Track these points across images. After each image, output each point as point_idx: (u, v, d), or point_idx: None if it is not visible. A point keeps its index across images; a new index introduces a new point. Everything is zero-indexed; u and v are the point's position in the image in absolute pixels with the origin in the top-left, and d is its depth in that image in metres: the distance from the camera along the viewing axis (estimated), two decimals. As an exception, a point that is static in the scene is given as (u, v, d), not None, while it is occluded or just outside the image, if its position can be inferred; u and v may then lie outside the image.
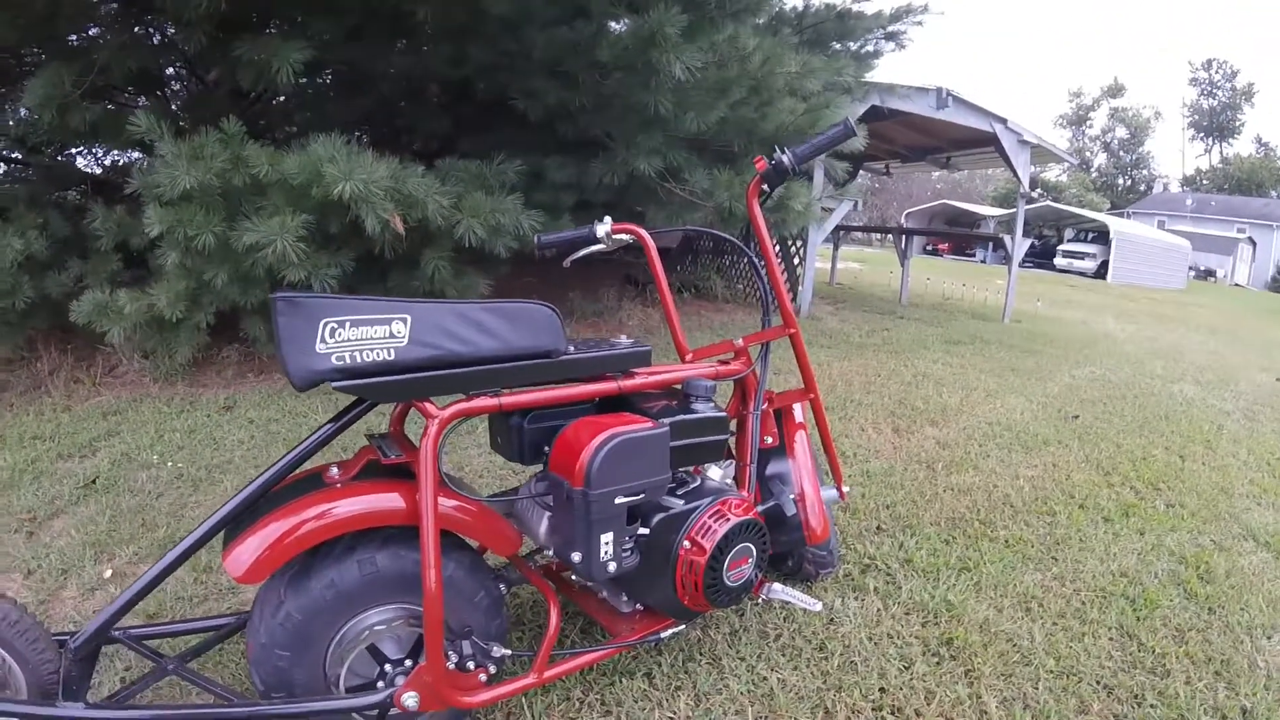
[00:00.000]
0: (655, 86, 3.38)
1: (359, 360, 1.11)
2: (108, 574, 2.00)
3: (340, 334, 1.09)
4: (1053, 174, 35.36)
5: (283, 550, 1.15)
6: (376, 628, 1.25)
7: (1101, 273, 19.90)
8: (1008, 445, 3.37)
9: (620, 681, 1.49)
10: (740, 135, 4.16)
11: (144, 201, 3.12)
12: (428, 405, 1.20)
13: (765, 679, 1.53)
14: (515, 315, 1.25)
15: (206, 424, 3.15)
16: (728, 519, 1.37)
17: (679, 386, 1.52)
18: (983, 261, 23.34)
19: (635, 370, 1.42)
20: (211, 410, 3.31)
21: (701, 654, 1.60)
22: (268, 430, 3.09)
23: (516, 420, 1.36)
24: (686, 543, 1.35)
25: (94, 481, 2.60)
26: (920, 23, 5.07)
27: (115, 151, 4.34)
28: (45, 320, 3.66)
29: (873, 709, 1.47)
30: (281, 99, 3.86)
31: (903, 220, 24.25)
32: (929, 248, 23.82)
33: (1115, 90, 53.48)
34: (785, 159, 1.51)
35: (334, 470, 1.26)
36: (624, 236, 1.65)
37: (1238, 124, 51.08)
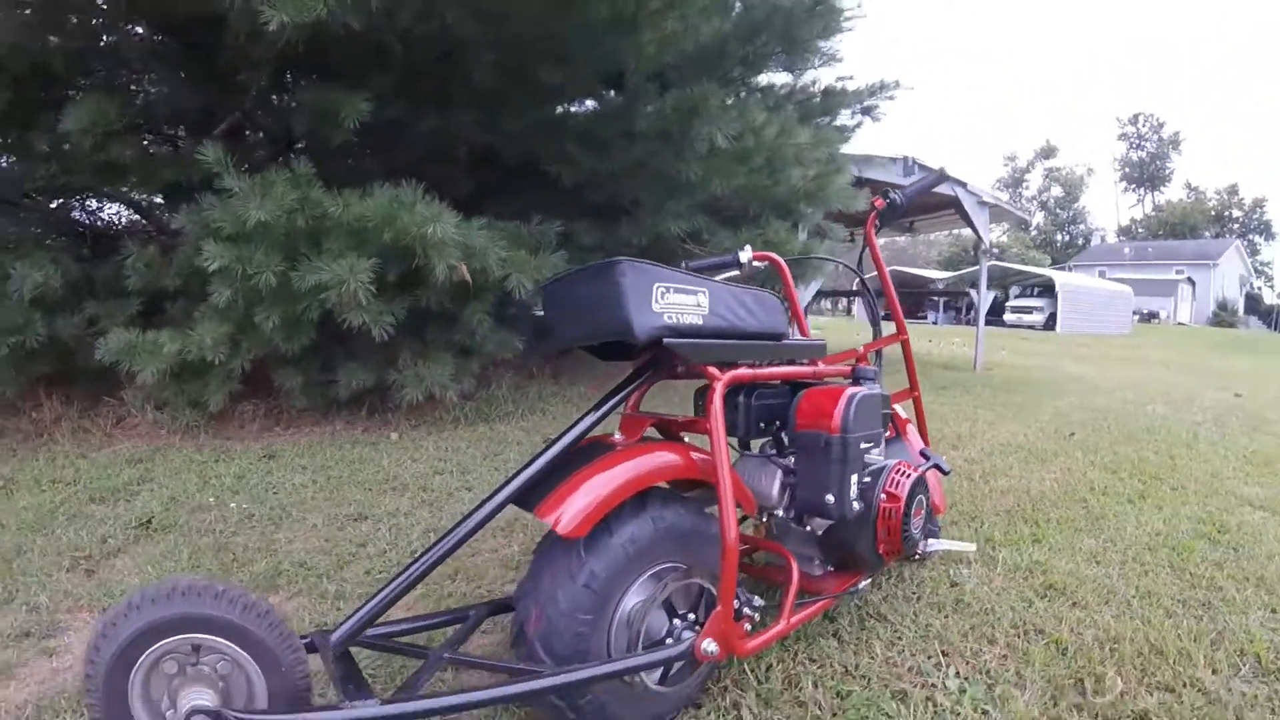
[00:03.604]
0: (688, 154, 4.00)
1: (680, 321, 1.39)
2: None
3: (668, 297, 1.37)
4: (995, 234, 39.07)
5: (609, 500, 1.33)
6: (669, 584, 1.42)
7: (1050, 324, 21.93)
8: (1024, 459, 3.97)
9: (819, 641, 1.84)
10: (754, 200, 4.85)
11: (182, 242, 3.44)
12: (711, 369, 1.47)
13: (930, 624, 1.95)
14: (763, 300, 1.59)
15: (255, 470, 3.35)
16: (909, 475, 1.73)
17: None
18: (934, 323, 25.25)
19: (813, 359, 1.84)
20: (253, 459, 3.50)
21: (869, 615, 2.01)
22: (327, 475, 3.31)
23: (743, 398, 1.71)
24: (883, 495, 1.69)
25: (148, 522, 2.73)
26: (893, 97, 6.02)
27: (112, 205, 4.60)
28: (49, 365, 3.80)
29: (1020, 632, 1.93)
30: (318, 148, 4.24)
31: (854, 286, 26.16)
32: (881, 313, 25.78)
33: (1048, 152, 60.06)
34: (897, 198, 2.05)
35: (617, 436, 1.55)
36: (760, 264, 2.10)
37: (1167, 172, 57.95)
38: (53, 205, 4.19)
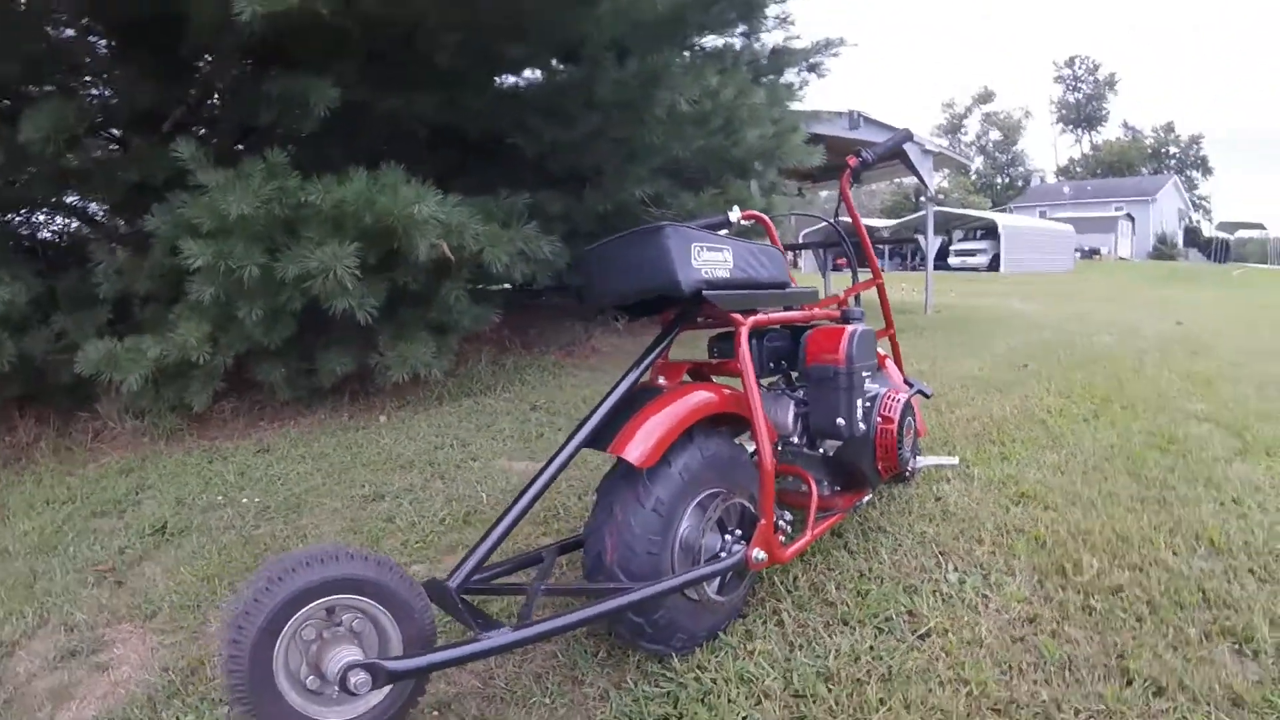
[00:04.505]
0: (649, 120, 4.22)
1: (713, 275, 1.66)
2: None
3: (703, 256, 1.64)
4: (936, 180, 40.51)
5: (670, 433, 1.56)
6: (718, 505, 1.65)
7: (994, 266, 22.89)
8: (983, 390, 4.36)
9: (833, 554, 2.15)
10: (714, 161, 5.11)
11: (147, 246, 3.50)
12: (736, 316, 1.73)
13: (925, 532, 2.27)
14: (770, 254, 1.88)
15: (255, 465, 3.46)
16: (899, 400, 2.06)
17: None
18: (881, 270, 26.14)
19: (807, 305, 2.14)
20: (247, 455, 3.60)
21: (871, 529, 2.32)
22: (329, 461, 3.43)
23: (756, 342, 1.95)
24: (879, 418, 2.01)
25: (163, 528, 2.81)
26: (837, 54, 6.30)
27: (60, 217, 4.59)
28: (20, 386, 3.83)
29: (1003, 532, 2.26)
30: (277, 139, 4.29)
31: (800, 239, 26.88)
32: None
33: (985, 97, 61.79)
34: (868, 156, 2.35)
35: (661, 380, 1.81)
36: (747, 222, 2.39)
37: (1104, 112, 60.18)
38: (3, 219, 4.17)
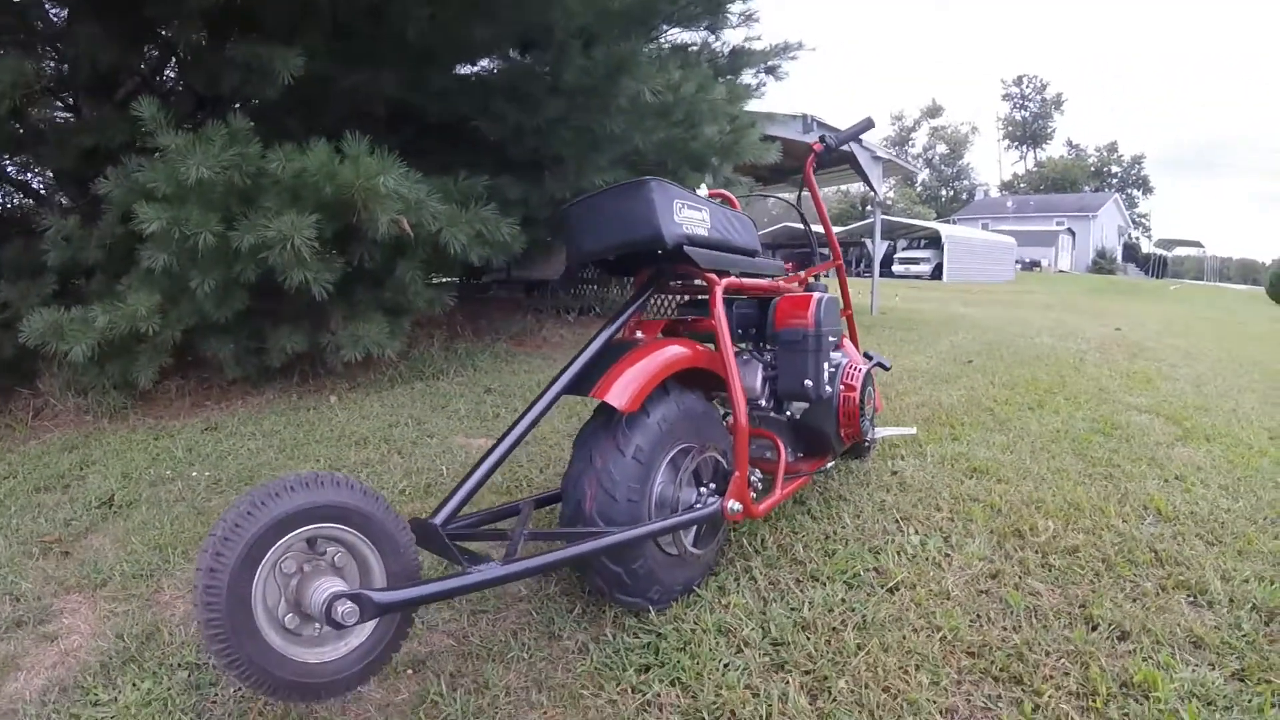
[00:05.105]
0: (612, 110, 4.22)
1: (693, 232, 1.69)
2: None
3: (684, 212, 1.68)
4: (883, 188, 41.61)
5: (650, 381, 1.58)
6: (693, 458, 1.68)
7: (937, 274, 23.54)
8: (931, 381, 4.49)
9: (796, 518, 2.21)
10: (673, 153, 5.14)
11: (107, 209, 3.35)
12: (711, 276, 1.76)
13: (884, 500, 2.34)
14: (743, 221, 1.95)
15: (203, 441, 3.34)
16: (860, 370, 2.14)
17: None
18: (826, 275, 26.71)
19: (777, 278, 2.18)
20: (194, 433, 3.48)
21: (832, 497, 2.37)
22: (281, 439, 3.35)
23: (725, 306, 1.97)
24: (842, 386, 2.09)
25: (110, 501, 2.71)
26: (795, 57, 6.36)
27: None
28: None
29: (959, 501, 2.33)
30: (238, 107, 4.15)
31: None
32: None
33: (934, 111, 63.52)
34: (831, 141, 2.41)
35: (639, 334, 1.84)
36: (715, 200, 2.43)
37: (1049, 131, 62.32)
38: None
